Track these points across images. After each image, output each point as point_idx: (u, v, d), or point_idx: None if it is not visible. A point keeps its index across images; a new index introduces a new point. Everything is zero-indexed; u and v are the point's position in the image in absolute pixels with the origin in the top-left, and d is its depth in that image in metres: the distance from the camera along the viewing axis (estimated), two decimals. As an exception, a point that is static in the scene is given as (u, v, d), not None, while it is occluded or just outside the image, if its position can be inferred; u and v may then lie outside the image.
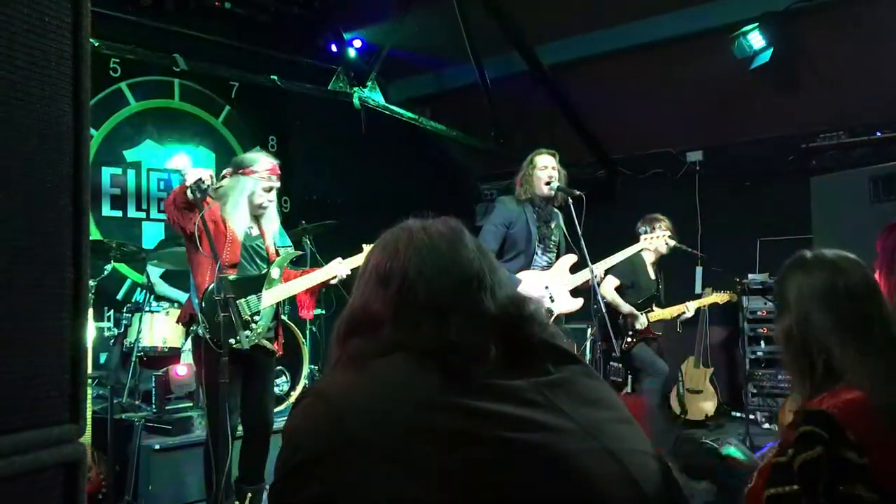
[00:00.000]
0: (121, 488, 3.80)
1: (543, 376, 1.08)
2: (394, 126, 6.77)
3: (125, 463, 3.86)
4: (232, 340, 3.05)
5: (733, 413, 6.33)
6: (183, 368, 4.30)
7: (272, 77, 5.70)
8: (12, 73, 0.87)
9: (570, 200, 4.09)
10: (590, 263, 4.05)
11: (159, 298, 4.86)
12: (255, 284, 3.33)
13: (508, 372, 1.06)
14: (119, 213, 5.80)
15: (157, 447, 3.86)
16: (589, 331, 5.49)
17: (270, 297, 3.34)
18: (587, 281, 4.10)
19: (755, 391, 6.01)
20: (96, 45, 4.64)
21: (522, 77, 6.58)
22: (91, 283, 3.76)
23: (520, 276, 4.09)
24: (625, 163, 7.23)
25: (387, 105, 6.27)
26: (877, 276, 1.89)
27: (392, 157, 7.45)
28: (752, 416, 5.71)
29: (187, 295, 3.63)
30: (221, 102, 6.42)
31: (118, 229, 5.65)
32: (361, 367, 1.07)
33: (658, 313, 4.92)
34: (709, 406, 6.08)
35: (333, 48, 6.53)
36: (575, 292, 4.24)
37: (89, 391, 3.61)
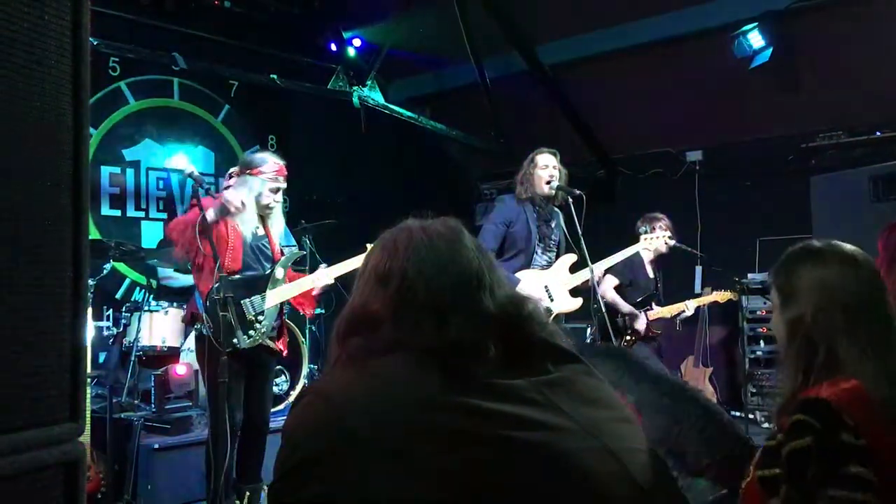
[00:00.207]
0: (120, 487, 3.80)
1: (543, 375, 1.08)
2: (394, 126, 6.77)
3: (124, 462, 3.86)
4: (235, 340, 3.06)
5: (733, 413, 6.32)
6: (182, 368, 4.30)
7: (272, 76, 5.71)
8: (13, 72, 0.87)
9: (571, 200, 4.09)
10: (590, 263, 4.05)
11: (170, 292, 4.86)
12: (260, 284, 3.33)
13: (508, 371, 1.06)
14: (118, 213, 5.80)
15: (156, 446, 3.87)
16: (588, 330, 5.48)
17: (275, 296, 3.34)
18: (587, 280, 4.11)
19: (754, 391, 6.01)
20: (95, 43, 4.64)
21: (522, 77, 6.57)
22: (90, 282, 3.76)
23: (519, 275, 4.09)
24: (625, 162, 7.22)
25: (386, 104, 6.27)
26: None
27: (392, 157, 7.45)
28: (751, 416, 5.72)
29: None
30: (221, 101, 6.42)
31: (117, 228, 5.65)
32: (361, 367, 1.07)
33: (657, 311, 4.91)
34: (708, 406, 6.07)
35: (333, 47, 6.54)
36: (574, 292, 4.24)
37: (88, 390, 3.60)
